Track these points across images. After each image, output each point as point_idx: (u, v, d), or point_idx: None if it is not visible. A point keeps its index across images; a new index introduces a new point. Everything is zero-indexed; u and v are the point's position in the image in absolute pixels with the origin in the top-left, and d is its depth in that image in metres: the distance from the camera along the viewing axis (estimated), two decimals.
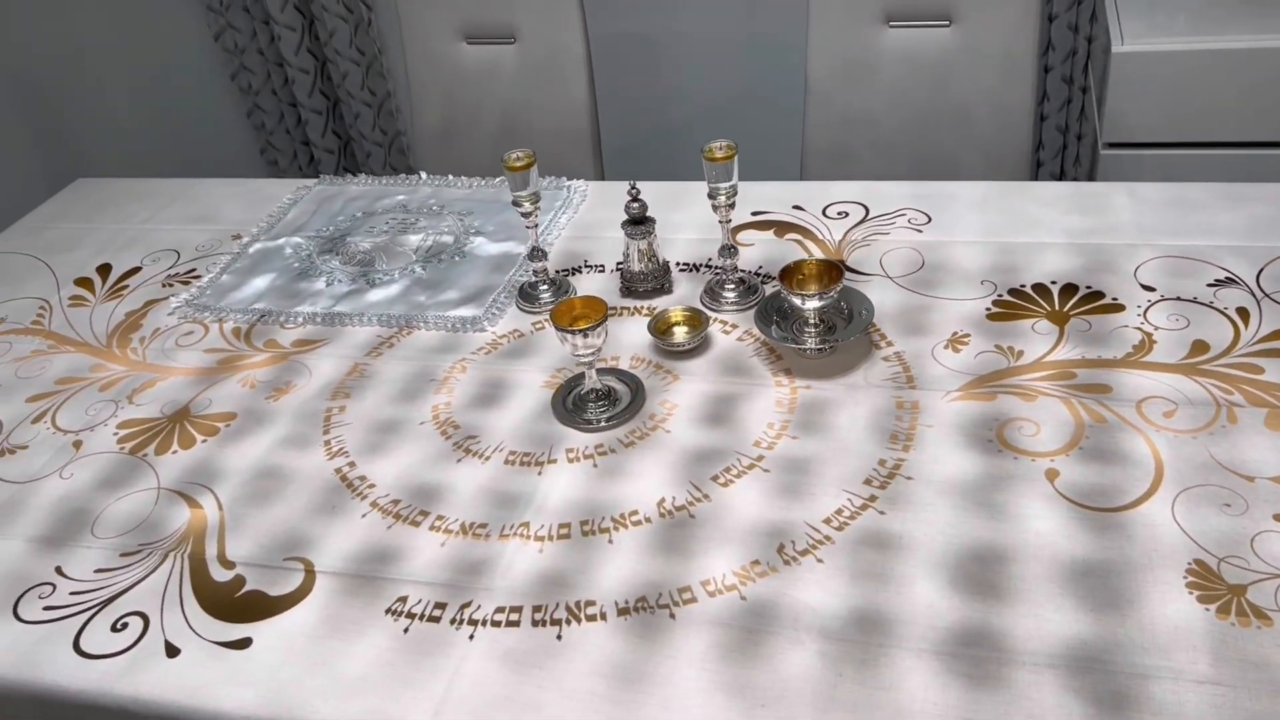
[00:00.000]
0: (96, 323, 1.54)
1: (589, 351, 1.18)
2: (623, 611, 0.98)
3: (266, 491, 1.19)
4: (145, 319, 1.54)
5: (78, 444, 1.31)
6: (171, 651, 1.01)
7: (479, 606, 1.01)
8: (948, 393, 1.17)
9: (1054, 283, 1.32)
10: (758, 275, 1.41)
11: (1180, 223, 1.39)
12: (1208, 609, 0.90)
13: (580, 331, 1.16)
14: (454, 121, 1.98)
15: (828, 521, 1.04)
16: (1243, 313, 1.22)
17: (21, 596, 1.10)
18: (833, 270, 1.23)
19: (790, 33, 2.23)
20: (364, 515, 1.14)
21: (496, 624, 0.99)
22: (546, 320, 1.38)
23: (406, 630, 1.00)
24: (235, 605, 1.05)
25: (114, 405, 1.37)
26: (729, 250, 1.36)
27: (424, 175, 1.78)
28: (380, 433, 1.25)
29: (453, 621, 1.00)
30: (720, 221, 1.34)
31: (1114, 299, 1.28)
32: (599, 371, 1.26)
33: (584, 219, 1.61)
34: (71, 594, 1.10)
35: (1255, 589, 0.91)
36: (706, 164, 1.29)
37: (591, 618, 0.98)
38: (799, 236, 1.48)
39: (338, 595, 1.05)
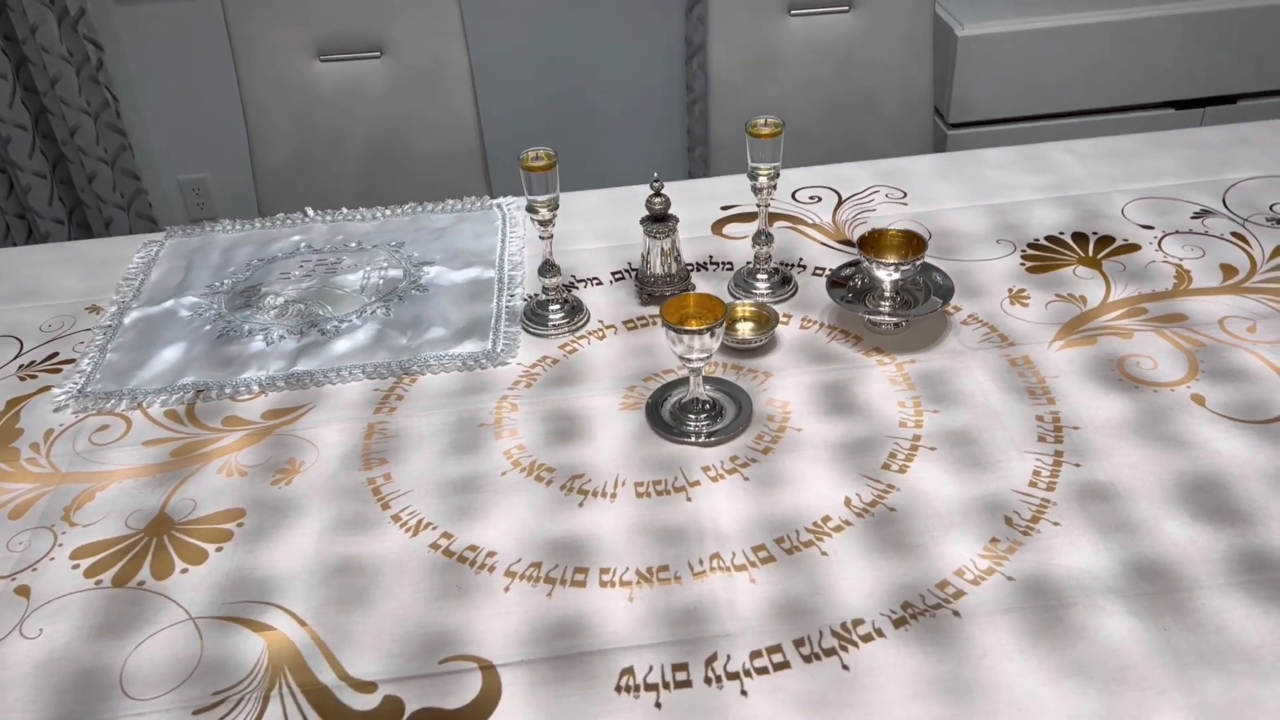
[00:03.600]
0: None
1: (704, 355, 1.04)
2: (898, 623, 0.86)
3: (356, 591, 0.93)
4: (19, 423, 1.17)
5: (22, 590, 0.96)
6: None
7: (728, 657, 0.84)
8: (1049, 344, 1.16)
9: (1062, 233, 1.36)
10: (789, 266, 1.32)
11: (1129, 169, 1.49)
12: None
13: (702, 332, 1.01)
14: (309, 152, 1.70)
15: (1034, 485, 0.98)
16: (1239, 236, 1.32)
17: None
18: (915, 240, 1.18)
19: (671, 37, 2.18)
20: (506, 589, 0.92)
21: (763, 671, 0.83)
22: (593, 334, 1.21)
23: (659, 705, 0.81)
24: None
25: (49, 532, 1.02)
26: (764, 237, 1.26)
27: (311, 212, 1.51)
28: (460, 494, 1.02)
29: (708, 681, 0.83)
30: (759, 205, 1.24)
31: (1126, 240, 1.33)
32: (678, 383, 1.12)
33: (575, 231, 1.43)
34: None
35: None
36: (751, 141, 1.19)
37: (866, 637, 0.85)
38: (789, 224, 1.42)
39: (540, 686, 0.83)
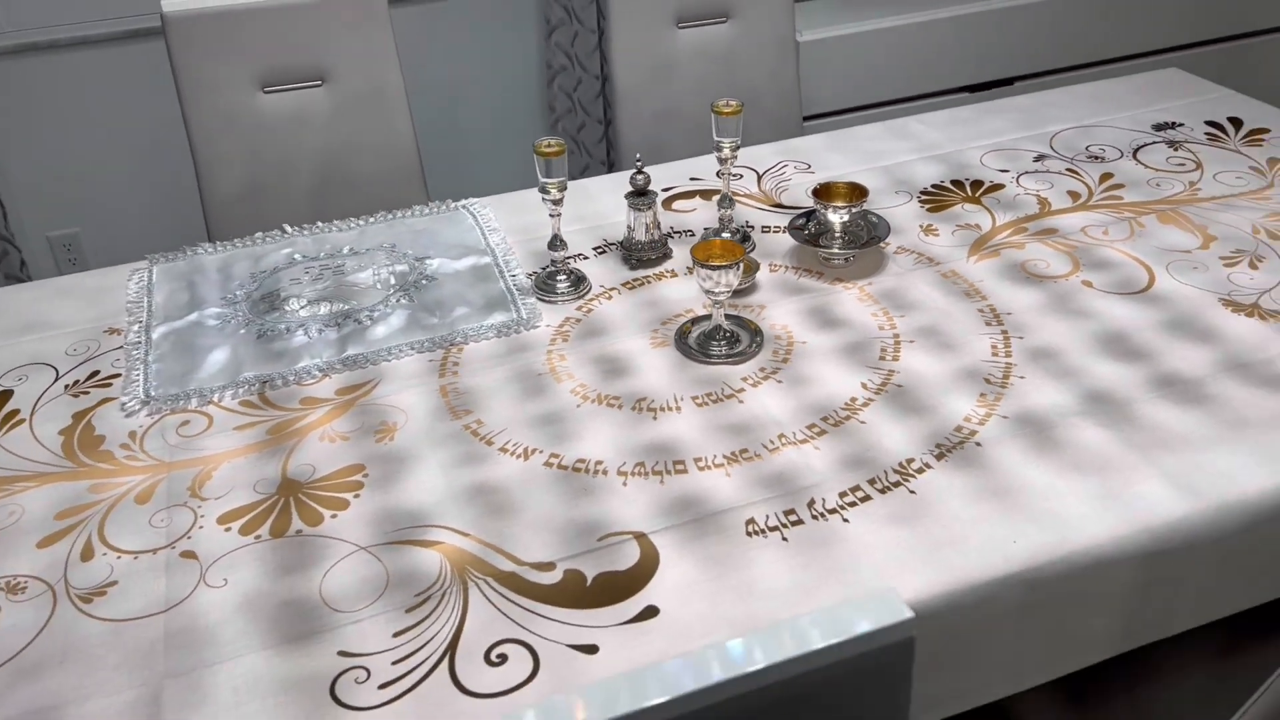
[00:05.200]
0: (28, 451, 1.21)
1: (727, 289, 1.27)
2: (939, 456, 1.12)
3: (498, 504, 1.09)
4: (95, 431, 1.24)
5: (187, 554, 1.06)
6: (589, 650, 0.93)
7: (824, 499, 1.07)
8: (966, 259, 1.47)
9: (942, 182, 1.68)
10: (749, 227, 1.57)
11: (973, 130, 1.84)
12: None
13: (728, 267, 1.25)
14: (259, 181, 1.79)
15: (996, 355, 1.27)
16: (1072, 171, 1.69)
17: (334, 686, 0.91)
18: (858, 189, 1.46)
19: (530, 61, 2.37)
20: (624, 484, 1.11)
21: (852, 504, 1.07)
22: (605, 295, 1.41)
23: (785, 539, 1.03)
24: (591, 595, 0.98)
25: (185, 508, 1.11)
26: (728, 201, 1.51)
27: (289, 229, 1.63)
28: (548, 425, 1.20)
29: (815, 517, 1.05)
30: (722, 174, 1.49)
31: (992, 181, 1.67)
32: (697, 318, 1.35)
33: (512, 225, 1.62)
34: (395, 662, 0.93)
35: None
36: (716, 119, 1.44)
37: (919, 470, 1.11)
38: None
39: (686, 544, 1.03)
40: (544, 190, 1.39)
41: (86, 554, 1.07)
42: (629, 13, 1.91)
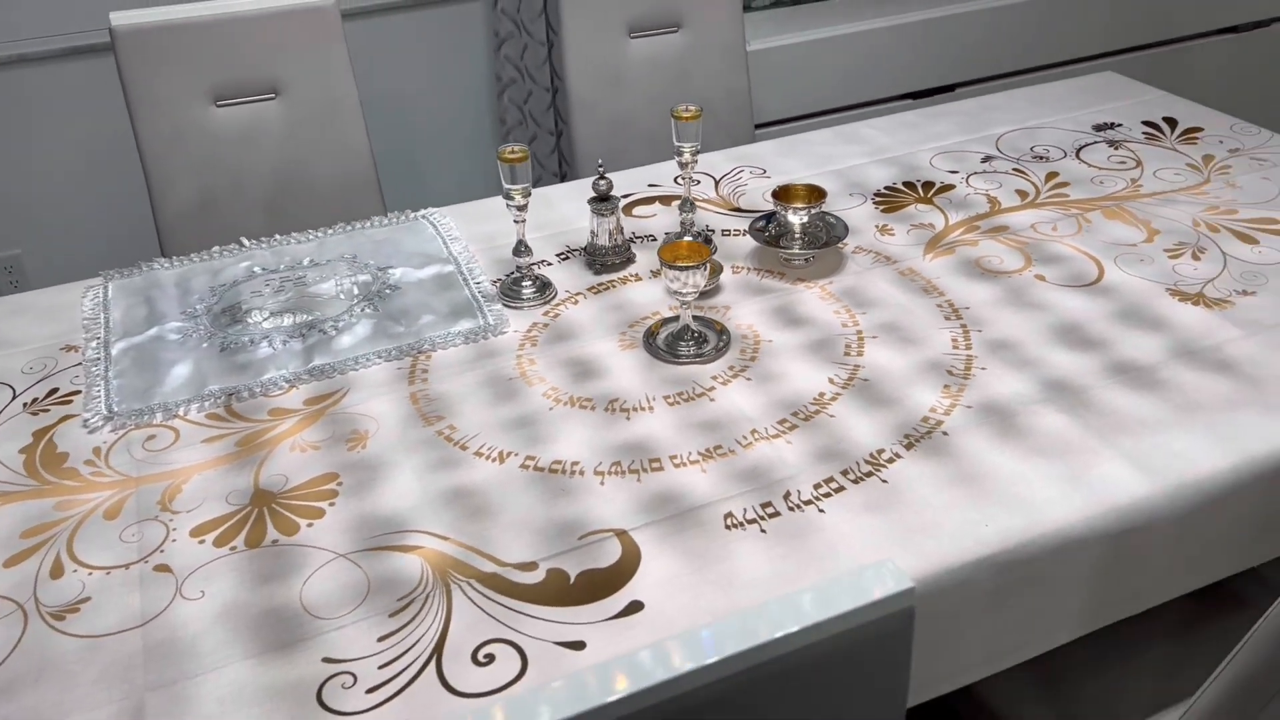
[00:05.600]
0: None
1: (694, 290, 1.29)
2: (908, 446, 1.15)
3: (476, 507, 1.09)
4: (58, 448, 1.22)
5: (161, 568, 1.04)
6: (577, 646, 0.93)
7: (799, 491, 1.09)
8: (922, 257, 1.50)
9: (894, 184, 1.72)
10: (710, 231, 1.59)
11: (921, 134, 1.89)
12: None
13: (695, 268, 1.26)
14: (212, 195, 1.77)
15: (957, 347, 1.30)
16: (1019, 171, 1.74)
17: (321, 692, 0.90)
18: (816, 191, 1.48)
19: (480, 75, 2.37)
20: (601, 483, 1.12)
21: (826, 495, 1.09)
22: (563, 303, 1.42)
23: (764, 530, 1.05)
24: (575, 592, 0.99)
25: (155, 522, 1.10)
26: (689, 205, 1.53)
27: (247, 242, 1.61)
28: (522, 428, 1.21)
29: (791, 509, 1.07)
30: (682, 178, 1.50)
31: (943, 182, 1.72)
32: (664, 320, 1.36)
33: (473, 234, 1.62)
34: (381, 666, 0.93)
35: None
36: (676, 124, 1.46)
37: (890, 460, 1.13)
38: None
39: (666, 539, 1.04)
40: (508, 197, 1.39)
41: (56, 571, 1.05)
42: (582, 23, 1.93)
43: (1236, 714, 0.93)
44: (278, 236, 1.62)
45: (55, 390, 1.32)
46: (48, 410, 1.28)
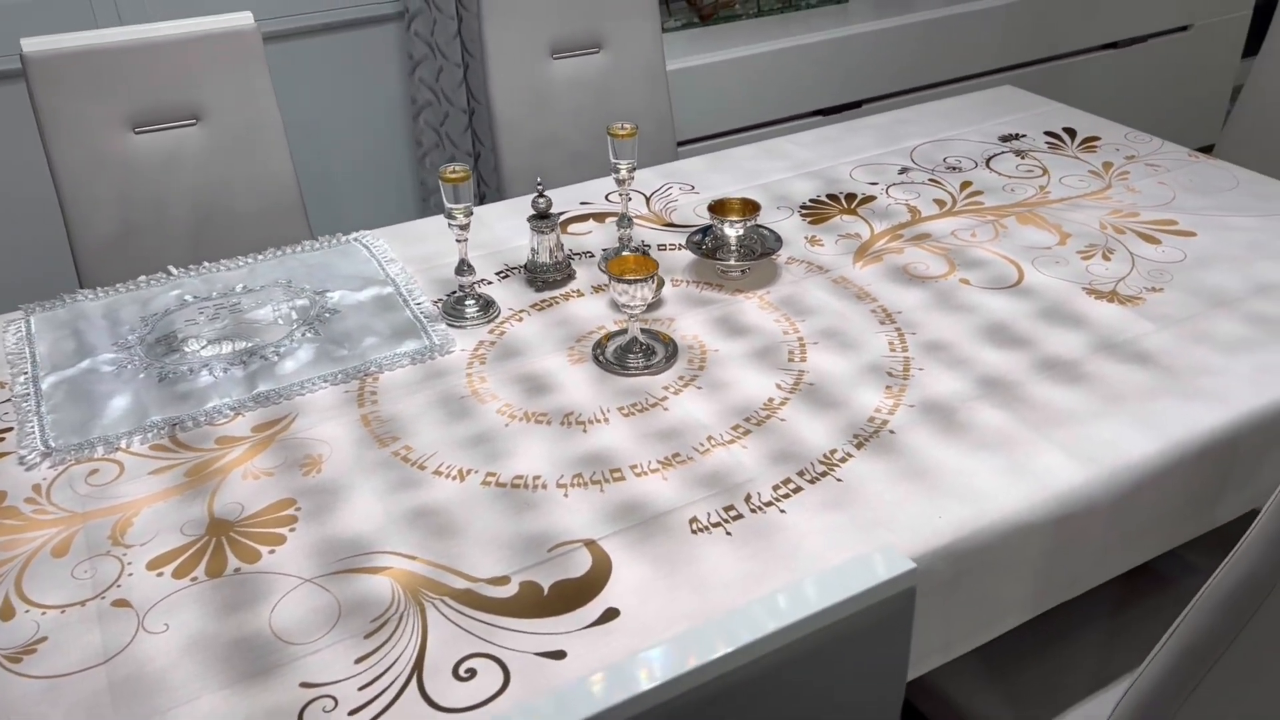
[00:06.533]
0: None
1: (642, 303, 1.31)
2: (858, 445, 1.19)
3: (441, 525, 1.10)
4: None
5: (120, 603, 1.02)
6: (558, 655, 0.94)
7: (759, 494, 1.12)
8: (852, 265, 1.56)
9: (818, 196, 1.78)
10: (646, 246, 1.62)
11: (840, 148, 1.95)
12: None
13: (643, 281, 1.29)
14: (132, 224, 1.72)
15: (894, 350, 1.36)
16: (934, 181, 1.82)
17: (302, 716, 0.89)
18: (750, 204, 1.53)
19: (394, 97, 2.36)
20: (565, 495, 1.13)
21: (785, 495, 1.12)
22: (518, 315, 1.43)
23: (729, 533, 1.07)
24: (550, 603, 1.00)
25: (108, 557, 1.07)
26: (627, 220, 1.55)
27: (174, 270, 1.58)
28: (479, 445, 1.21)
29: (753, 510, 1.10)
30: (619, 195, 1.53)
31: (864, 194, 1.78)
32: (611, 334, 1.38)
33: (408, 255, 1.62)
34: (361, 688, 0.92)
35: None
36: (613, 142, 1.48)
37: (842, 459, 1.17)
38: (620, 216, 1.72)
39: (635, 546, 1.06)
40: (450, 216, 1.40)
41: (7, 613, 1.01)
42: (505, 45, 1.94)
43: (1182, 678, 0.99)
44: (206, 264, 1.60)
45: None
46: None
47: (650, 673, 0.57)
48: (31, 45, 1.61)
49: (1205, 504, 1.25)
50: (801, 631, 0.59)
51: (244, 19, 1.72)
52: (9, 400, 1.32)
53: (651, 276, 1.30)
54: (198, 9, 2.16)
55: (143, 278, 1.57)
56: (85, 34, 1.64)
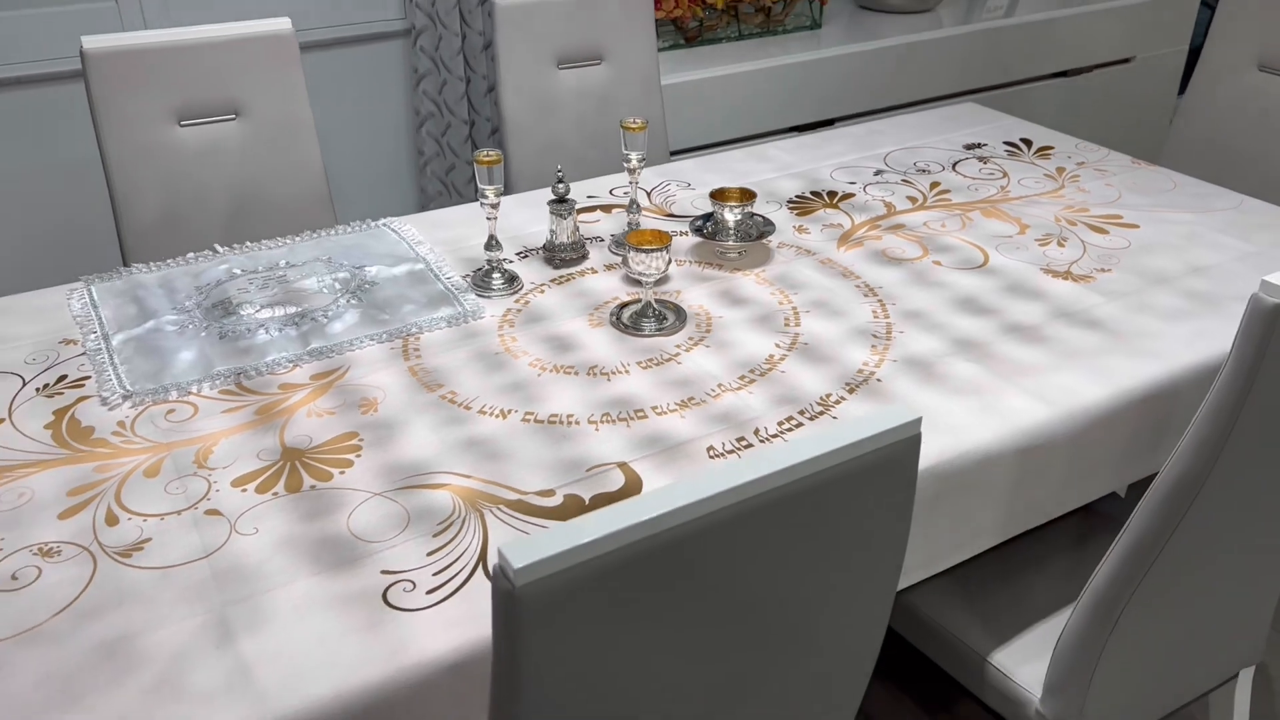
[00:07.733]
0: (17, 444, 1.27)
1: (657, 272, 1.48)
2: (850, 391, 1.36)
3: (490, 452, 1.25)
4: (83, 424, 1.31)
5: (211, 512, 1.16)
6: None
7: (765, 428, 1.29)
8: (837, 250, 1.74)
9: (803, 193, 1.96)
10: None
11: (820, 153, 2.15)
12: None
13: (659, 250, 1.46)
14: (175, 209, 1.87)
15: (878, 317, 1.54)
16: (907, 181, 2.01)
17: (386, 594, 1.04)
18: (747, 193, 1.71)
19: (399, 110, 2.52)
20: (596, 430, 1.29)
21: (789, 430, 1.29)
22: (543, 287, 1.59)
23: (741, 458, 1.24)
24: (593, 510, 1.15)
25: (195, 477, 1.21)
26: (635, 207, 1.72)
27: (220, 247, 1.72)
28: (516, 391, 1.37)
29: (761, 441, 1.27)
30: (630, 183, 1.70)
31: (844, 192, 1.97)
32: (624, 303, 1.55)
33: (434, 239, 1.78)
34: (435, 574, 1.07)
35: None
36: (625, 134, 1.66)
37: (836, 401, 1.34)
38: (624, 210, 1.89)
39: (660, 468, 1.22)
40: (483, 195, 1.56)
41: (111, 520, 1.15)
42: (515, 56, 2.12)
43: (1130, 570, 1.17)
44: (249, 243, 1.74)
45: (65, 376, 1.41)
46: (62, 394, 1.37)
47: (711, 483, 0.72)
48: (91, 43, 1.76)
49: (1147, 448, 1.44)
50: (833, 461, 0.75)
51: (283, 24, 1.89)
52: (83, 354, 1.45)
53: (666, 247, 1.47)
54: (229, 17, 2.32)
55: (191, 254, 1.71)
56: (139, 34, 1.79)
